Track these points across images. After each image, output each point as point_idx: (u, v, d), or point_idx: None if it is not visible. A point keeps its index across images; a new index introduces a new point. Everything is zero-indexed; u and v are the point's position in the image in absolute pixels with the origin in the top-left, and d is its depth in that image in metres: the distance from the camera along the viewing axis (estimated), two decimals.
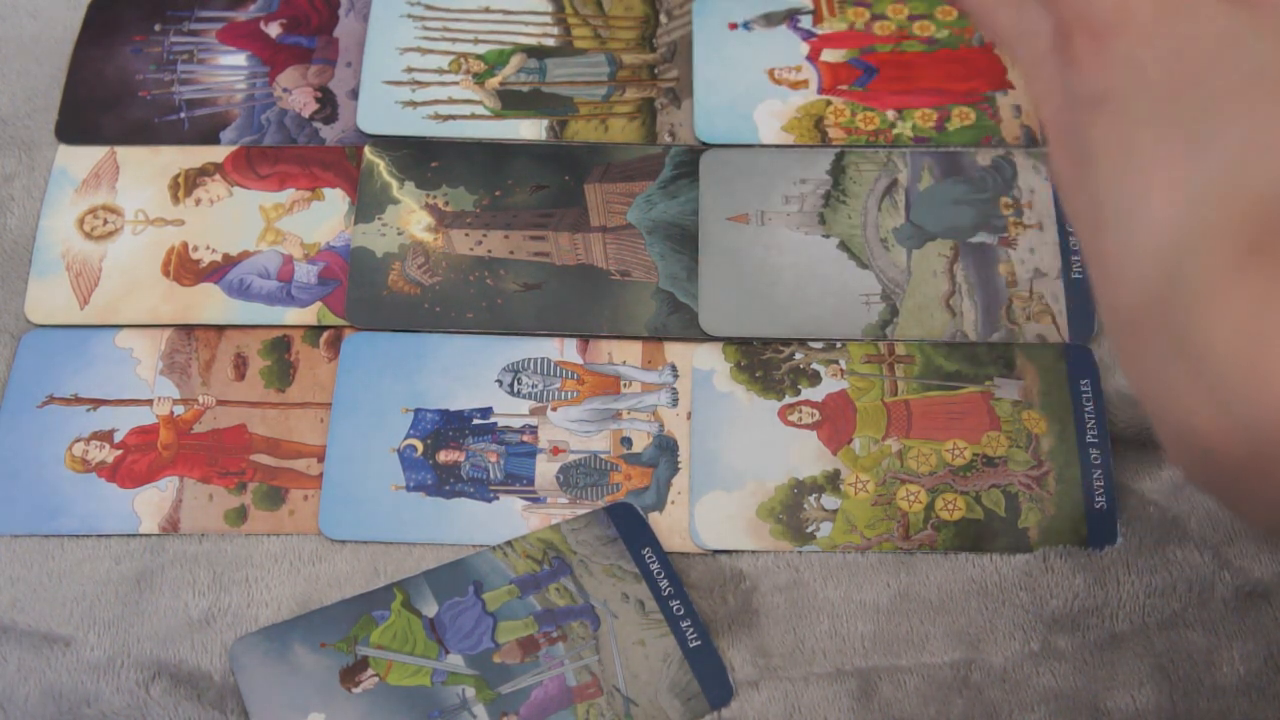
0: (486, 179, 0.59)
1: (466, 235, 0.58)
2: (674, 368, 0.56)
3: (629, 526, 0.52)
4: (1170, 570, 0.51)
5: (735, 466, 0.53)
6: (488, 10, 0.64)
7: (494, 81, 0.62)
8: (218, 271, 0.57)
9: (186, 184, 0.59)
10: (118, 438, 0.54)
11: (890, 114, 0.60)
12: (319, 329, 0.56)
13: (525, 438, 0.54)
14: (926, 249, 0.58)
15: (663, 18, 0.64)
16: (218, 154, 0.60)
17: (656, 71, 0.62)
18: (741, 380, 0.55)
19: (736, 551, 0.52)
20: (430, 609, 0.50)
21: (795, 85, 0.61)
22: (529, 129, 0.60)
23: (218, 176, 0.60)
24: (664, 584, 0.50)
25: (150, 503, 0.53)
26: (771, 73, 0.62)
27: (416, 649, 0.49)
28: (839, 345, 0.56)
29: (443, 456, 0.54)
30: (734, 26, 0.63)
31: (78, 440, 0.54)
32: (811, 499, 0.53)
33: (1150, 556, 0.51)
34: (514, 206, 0.59)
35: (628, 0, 0.64)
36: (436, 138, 0.60)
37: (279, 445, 0.54)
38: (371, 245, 0.58)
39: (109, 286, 0.57)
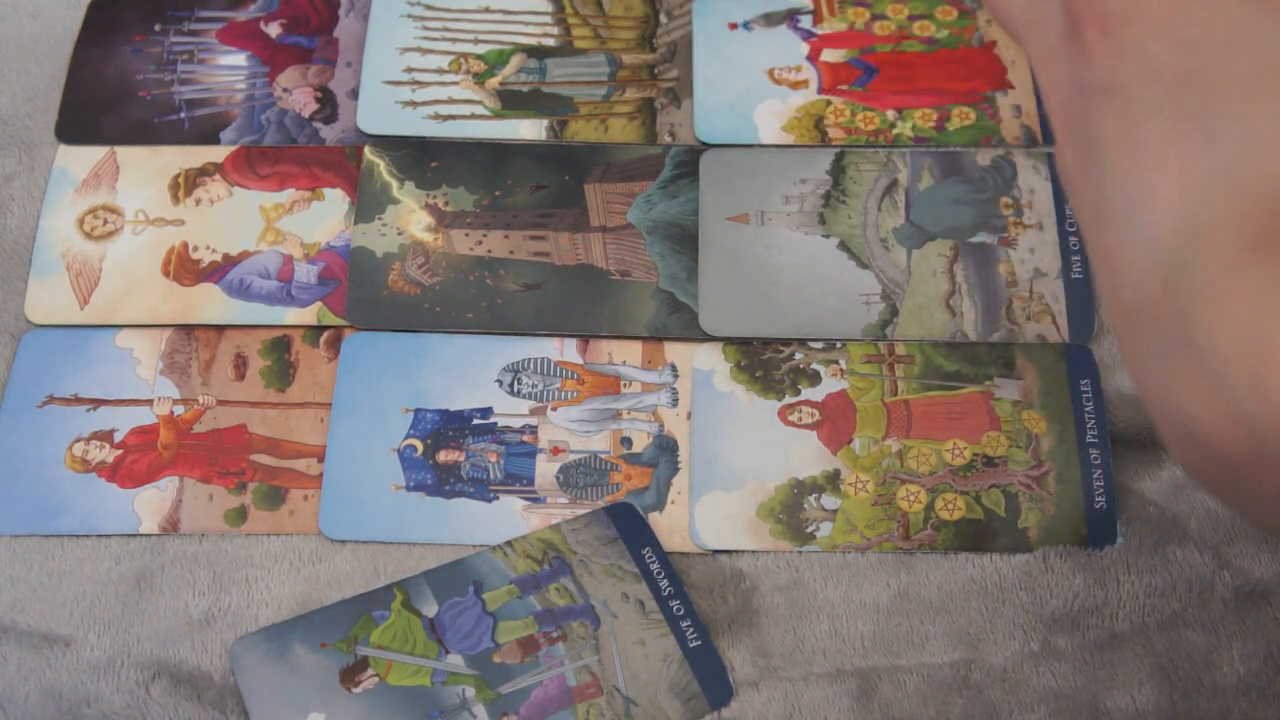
0: (486, 179, 0.59)
1: (466, 235, 0.58)
2: (674, 368, 0.56)
3: (629, 526, 0.52)
4: (1170, 570, 0.51)
5: (735, 466, 0.53)
6: (488, 10, 0.64)
7: (494, 81, 0.62)
8: (218, 271, 0.57)
9: (186, 184, 0.59)
10: (118, 438, 0.54)
11: (890, 114, 0.61)
12: (319, 329, 0.56)
13: (525, 438, 0.54)
14: (926, 249, 0.58)
15: (663, 18, 0.64)
16: (218, 154, 0.60)
17: (656, 71, 0.62)
18: (741, 380, 0.55)
19: (736, 551, 0.52)
20: (430, 609, 0.50)
21: (795, 85, 0.61)
22: (529, 129, 0.60)
23: (218, 176, 0.60)
24: (664, 584, 0.50)
25: (150, 503, 0.53)
26: (771, 73, 0.62)
27: (416, 649, 0.49)
28: (839, 345, 0.56)
29: (443, 456, 0.54)
30: (734, 26, 0.63)
31: (78, 440, 0.54)
32: (811, 499, 0.53)
33: (1150, 556, 0.51)
34: (514, 206, 0.59)
35: (628, 0, 0.64)
36: (436, 138, 0.60)
37: (279, 445, 0.54)
38: (371, 245, 0.58)
39: (109, 286, 0.57)
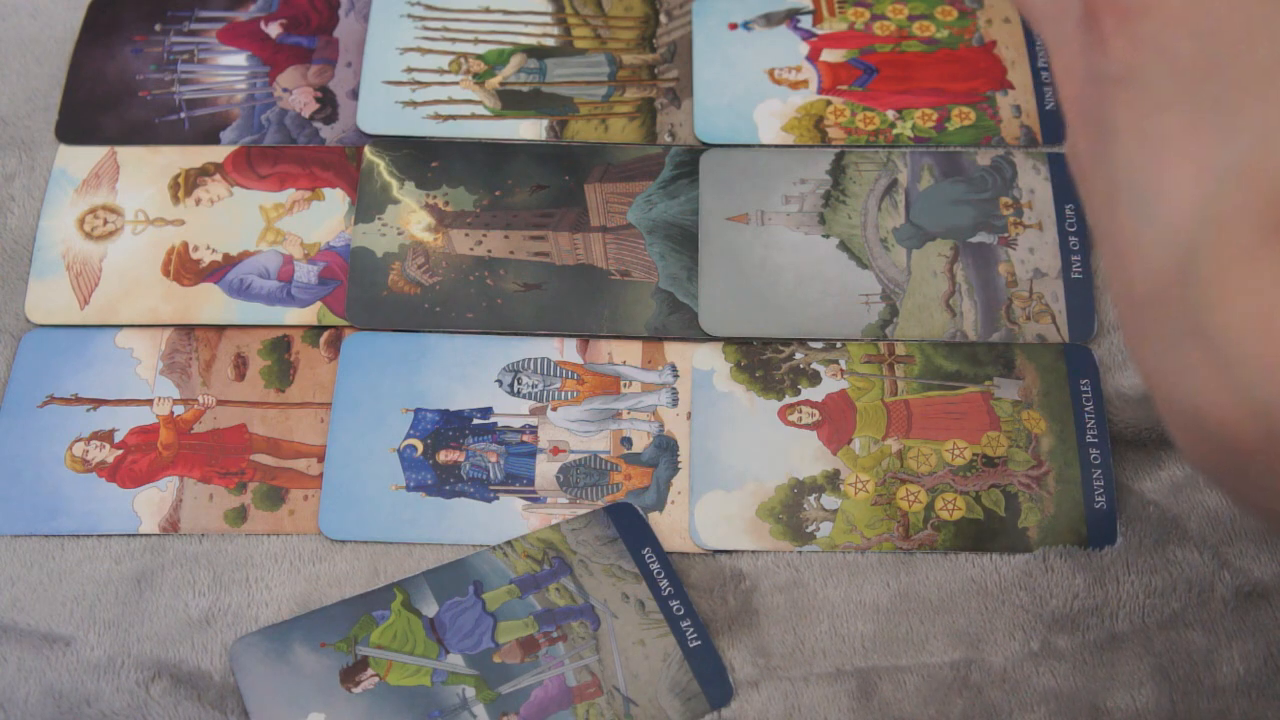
0: (486, 179, 0.59)
1: (466, 235, 0.58)
2: (674, 368, 0.56)
3: (629, 526, 0.52)
4: (1170, 570, 0.51)
5: (735, 466, 0.53)
6: (488, 10, 0.64)
7: (494, 81, 0.62)
8: (218, 271, 0.57)
9: (186, 184, 0.59)
10: (118, 438, 0.54)
11: (890, 114, 0.61)
12: (319, 329, 0.56)
13: (525, 438, 0.54)
14: (926, 249, 0.58)
15: (663, 18, 0.64)
16: (218, 154, 0.60)
17: (656, 71, 0.62)
18: (741, 380, 0.55)
19: (736, 551, 0.52)
20: (430, 609, 0.50)
21: (795, 85, 0.61)
22: (529, 129, 0.60)
23: (218, 176, 0.60)
24: (664, 584, 0.50)
25: (150, 503, 0.53)
26: (771, 73, 0.62)
27: (416, 649, 0.49)
28: (839, 345, 0.56)
29: (443, 456, 0.54)
30: (734, 26, 0.63)
31: (78, 440, 0.54)
32: (811, 499, 0.53)
33: (1150, 556, 0.51)
34: (514, 206, 0.59)
35: (628, 0, 0.64)
36: (436, 138, 0.60)
37: (279, 445, 0.54)
38: (371, 245, 0.58)
39: (109, 286, 0.57)
